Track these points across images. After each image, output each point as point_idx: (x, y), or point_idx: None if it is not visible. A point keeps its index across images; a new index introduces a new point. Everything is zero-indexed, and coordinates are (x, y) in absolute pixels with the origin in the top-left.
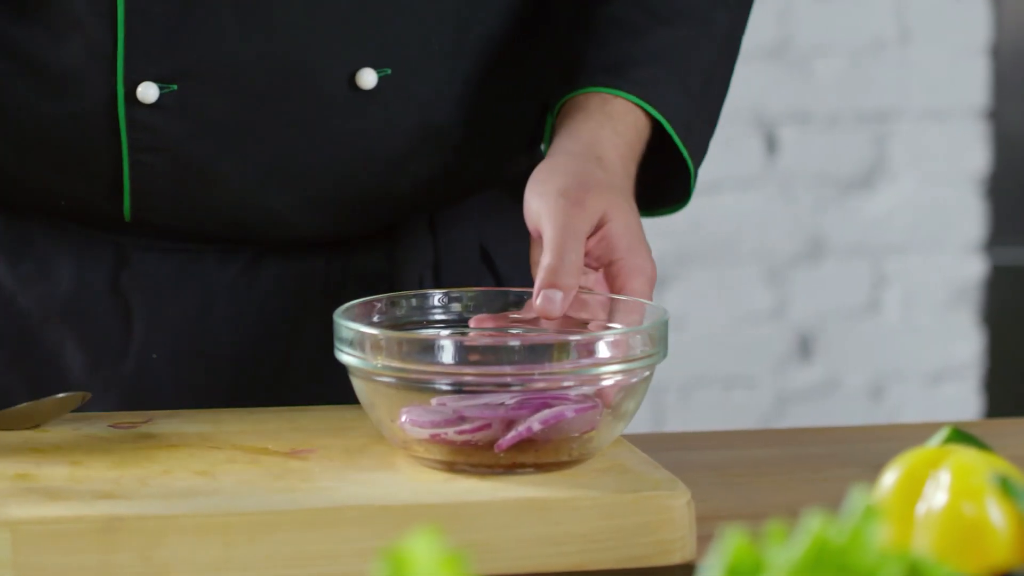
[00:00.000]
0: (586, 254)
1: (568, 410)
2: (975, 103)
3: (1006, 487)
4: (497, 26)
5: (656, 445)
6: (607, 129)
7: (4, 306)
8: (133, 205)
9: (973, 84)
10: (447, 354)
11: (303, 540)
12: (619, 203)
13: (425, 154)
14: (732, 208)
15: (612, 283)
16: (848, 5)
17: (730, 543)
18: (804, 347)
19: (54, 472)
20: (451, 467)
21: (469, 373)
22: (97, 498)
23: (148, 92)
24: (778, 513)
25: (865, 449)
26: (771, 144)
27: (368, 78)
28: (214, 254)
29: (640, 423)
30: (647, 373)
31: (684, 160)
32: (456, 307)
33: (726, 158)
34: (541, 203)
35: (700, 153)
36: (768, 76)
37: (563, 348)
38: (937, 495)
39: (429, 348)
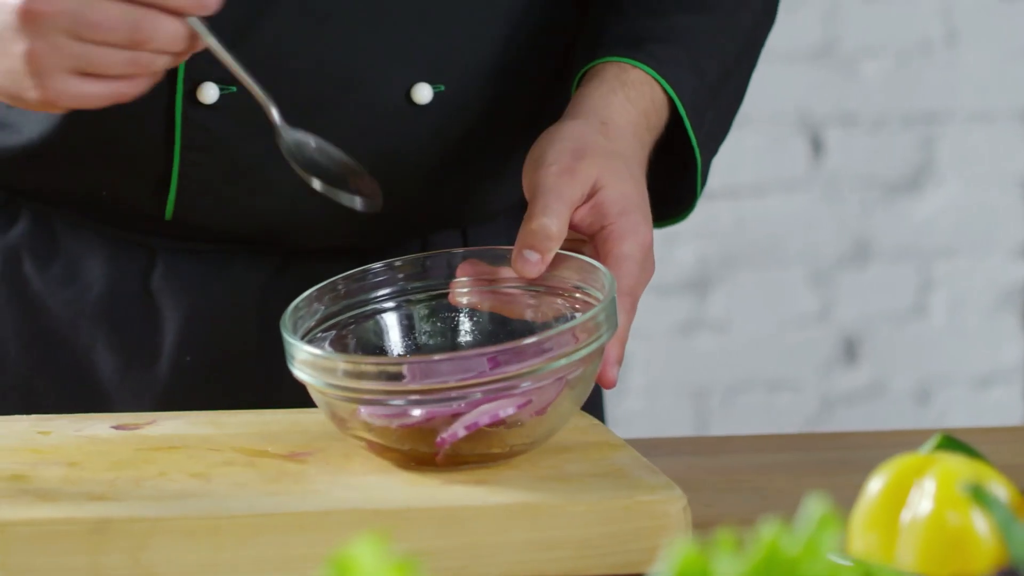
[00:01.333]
0: (577, 222)
1: (502, 409)
2: (1023, 105)
3: (978, 496)
4: (541, 45)
5: (669, 450)
6: (619, 95)
7: (33, 309)
8: (177, 203)
9: (1021, 86)
10: (396, 375)
11: (292, 543)
12: (615, 169)
13: (467, 170)
14: (777, 210)
15: (601, 248)
16: (895, 6)
17: (678, 552)
18: (850, 350)
19: (50, 473)
20: (400, 462)
21: (417, 391)
22: (89, 500)
23: (208, 93)
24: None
25: (882, 455)
26: (817, 146)
27: (424, 93)
28: (244, 256)
29: (683, 426)
30: (597, 353)
31: (692, 164)
32: (400, 277)
33: (771, 160)
34: (531, 172)
35: (709, 149)
36: (814, 77)
37: (512, 355)
38: (922, 503)
39: (378, 369)
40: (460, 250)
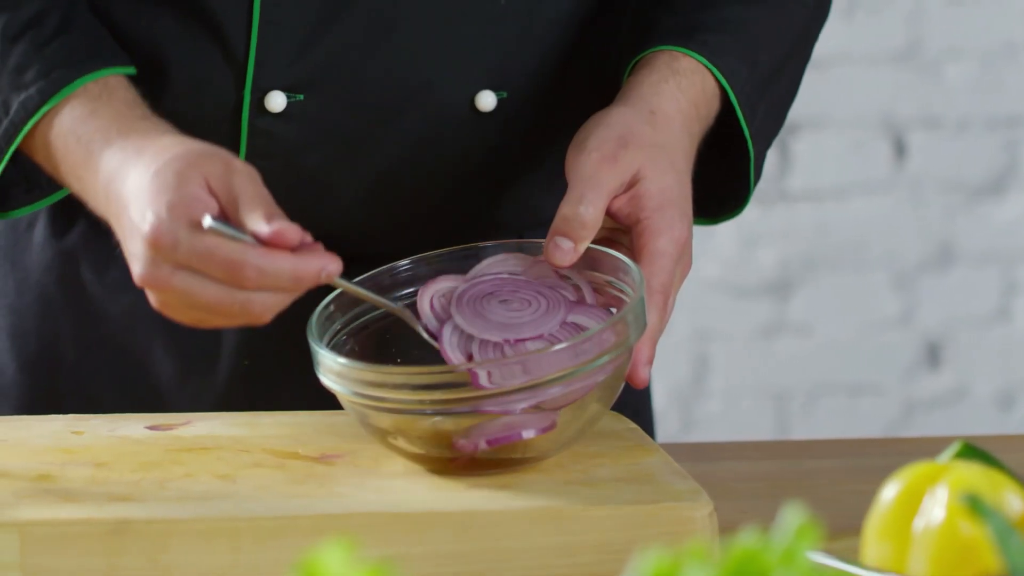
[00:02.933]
0: (615, 211)
1: (524, 430)
2: None
3: (975, 506)
4: (602, 51)
5: (710, 455)
6: (670, 84)
7: (91, 313)
8: None
9: None
10: (421, 385)
11: (311, 547)
12: (657, 161)
13: (527, 176)
14: (860, 213)
15: (636, 242)
16: (979, 8)
17: (648, 560)
18: (932, 355)
19: (77, 473)
20: (430, 465)
21: (442, 400)
22: (111, 500)
23: (276, 101)
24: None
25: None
26: (900, 149)
27: (487, 100)
28: None
29: (764, 430)
30: (626, 354)
31: (745, 159)
32: (427, 273)
33: (854, 163)
34: (573, 156)
35: (761, 143)
36: (897, 80)
37: (537, 361)
38: (934, 511)
39: (404, 379)
40: (487, 244)
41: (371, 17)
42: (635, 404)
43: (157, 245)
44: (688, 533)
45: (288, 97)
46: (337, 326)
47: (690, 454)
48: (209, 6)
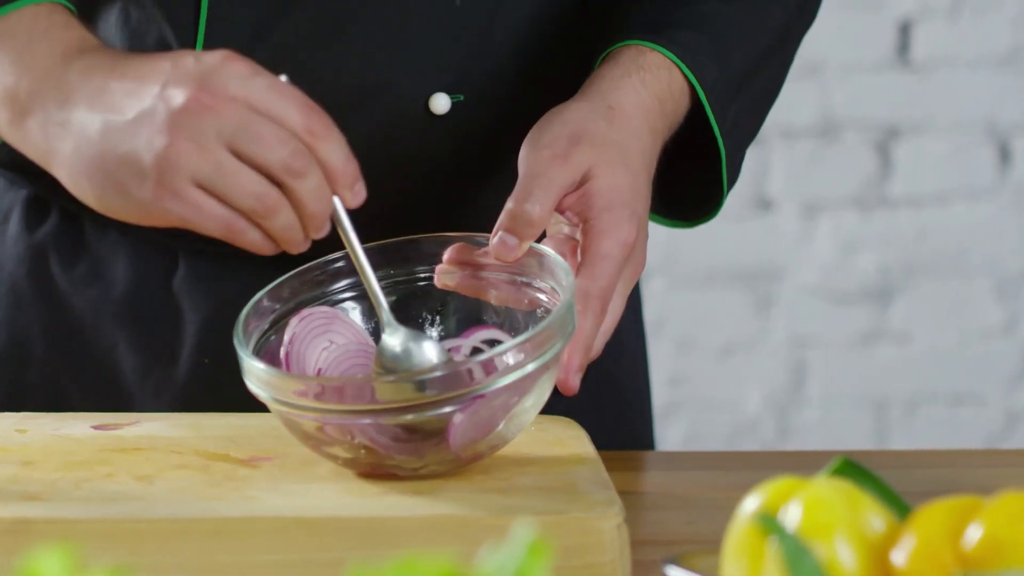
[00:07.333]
0: (565, 208)
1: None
2: None
3: (765, 524)
4: (561, 56)
5: (807, 464)
6: (633, 78)
7: (58, 307)
8: None
9: None
10: (347, 396)
11: (212, 550)
12: (610, 159)
13: (485, 180)
14: (962, 219)
15: (583, 242)
16: None
17: (353, 571)
18: None
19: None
20: (346, 464)
21: (358, 411)
22: (20, 500)
23: None
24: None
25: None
26: (1004, 154)
27: (442, 103)
28: (264, 259)
29: (862, 439)
30: (551, 361)
31: (719, 159)
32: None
33: (957, 168)
34: (526, 151)
35: (735, 143)
36: (1001, 84)
37: (463, 376)
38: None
39: (332, 389)
40: (421, 236)
41: (320, 15)
42: (631, 408)
43: (231, 66)
44: (596, 544)
45: None
46: (264, 325)
47: (789, 462)
48: (156, 1)
